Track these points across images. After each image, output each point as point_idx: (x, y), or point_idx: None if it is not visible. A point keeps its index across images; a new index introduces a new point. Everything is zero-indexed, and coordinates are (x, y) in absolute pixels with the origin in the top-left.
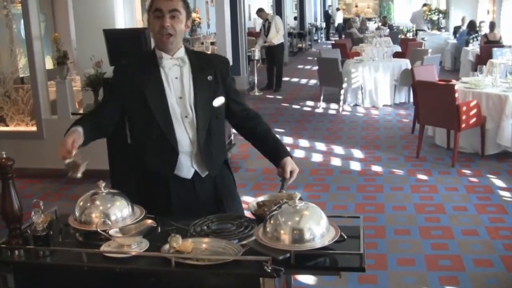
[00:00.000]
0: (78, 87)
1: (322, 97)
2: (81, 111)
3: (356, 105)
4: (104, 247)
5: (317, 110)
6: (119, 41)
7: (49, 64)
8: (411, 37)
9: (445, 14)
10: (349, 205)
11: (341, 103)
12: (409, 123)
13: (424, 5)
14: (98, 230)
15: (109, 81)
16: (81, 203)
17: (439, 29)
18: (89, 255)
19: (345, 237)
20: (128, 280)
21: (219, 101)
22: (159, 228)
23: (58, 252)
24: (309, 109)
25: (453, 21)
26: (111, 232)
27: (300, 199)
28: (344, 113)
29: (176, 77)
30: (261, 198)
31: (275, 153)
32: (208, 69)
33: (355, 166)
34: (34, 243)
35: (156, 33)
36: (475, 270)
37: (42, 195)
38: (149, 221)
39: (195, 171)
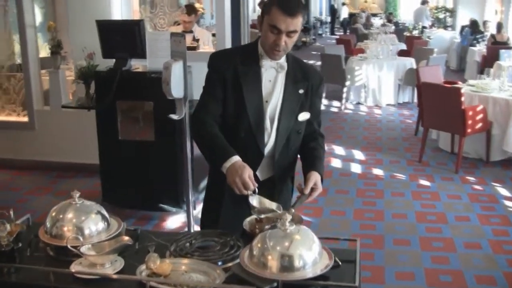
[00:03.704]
0: (72, 77)
1: (324, 94)
2: (73, 104)
3: (358, 103)
4: (75, 266)
5: None
6: (113, 33)
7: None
8: (416, 35)
9: (452, 12)
10: (347, 211)
11: (344, 101)
12: (412, 124)
13: (424, 2)
14: (69, 246)
15: (210, 67)
16: (53, 214)
17: (445, 27)
18: (58, 274)
19: (339, 263)
20: None
21: (304, 116)
22: (137, 245)
23: (24, 270)
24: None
25: (460, 20)
26: (83, 249)
27: (298, 221)
28: (346, 111)
29: (270, 80)
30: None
31: (309, 162)
32: (301, 82)
33: (356, 168)
34: None
35: (267, 43)
36: (477, 287)
37: (32, 189)
38: (126, 238)
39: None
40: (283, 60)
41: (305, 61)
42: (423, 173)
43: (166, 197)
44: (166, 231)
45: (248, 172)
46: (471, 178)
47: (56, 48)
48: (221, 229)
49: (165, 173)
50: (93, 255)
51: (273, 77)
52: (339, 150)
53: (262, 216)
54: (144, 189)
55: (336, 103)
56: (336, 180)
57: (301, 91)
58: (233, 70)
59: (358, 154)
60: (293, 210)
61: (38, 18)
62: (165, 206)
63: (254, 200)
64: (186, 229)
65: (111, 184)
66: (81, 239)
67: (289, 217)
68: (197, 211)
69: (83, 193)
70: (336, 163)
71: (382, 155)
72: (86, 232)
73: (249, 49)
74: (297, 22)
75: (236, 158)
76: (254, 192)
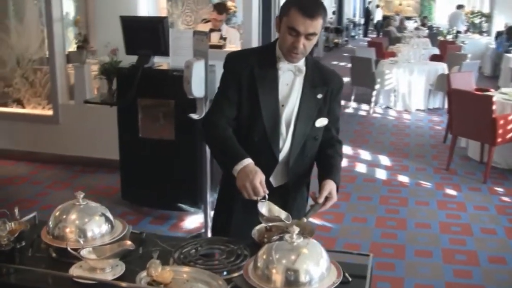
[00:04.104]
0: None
1: (353, 97)
2: (96, 100)
3: (387, 107)
4: (74, 269)
5: (346, 110)
6: (136, 29)
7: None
8: (450, 40)
9: (488, 17)
10: (369, 218)
11: (372, 104)
12: (441, 131)
13: (459, 6)
14: (69, 248)
15: (225, 68)
16: (57, 213)
17: (481, 33)
18: (56, 277)
19: (349, 279)
20: None
21: (321, 122)
22: (141, 249)
23: (22, 271)
24: None
25: (496, 25)
26: (83, 252)
27: (310, 232)
28: (374, 115)
29: (287, 83)
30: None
31: (325, 170)
32: (320, 86)
33: (381, 174)
34: None
35: (285, 45)
36: None
37: (53, 183)
38: (128, 243)
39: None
40: (301, 63)
41: (326, 65)
42: (450, 182)
43: (185, 197)
44: (173, 236)
45: (259, 178)
46: (500, 189)
47: (82, 42)
48: (232, 235)
49: (184, 172)
50: (93, 259)
51: (290, 81)
52: (365, 155)
53: (270, 224)
54: (162, 188)
55: (364, 107)
56: (359, 186)
57: (319, 96)
58: (249, 72)
59: (384, 160)
60: (305, 220)
61: (71, 12)
62: (183, 206)
63: (264, 207)
64: (203, 230)
65: (130, 182)
66: (81, 241)
67: (296, 229)
68: None
69: (104, 188)
70: (361, 168)
71: (408, 162)
72: (89, 234)
73: (266, 51)
74: (317, 25)
75: (248, 161)
76: (264, 198)
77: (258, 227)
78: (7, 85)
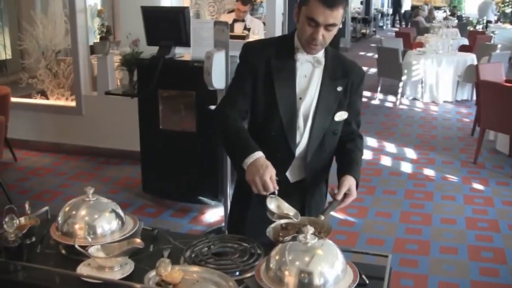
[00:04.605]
0: None
1: (379, 88)
2: (118, 91)
3: (414, 99)
4: (82, 267)
5: (373, 102)
6: (157, 20)
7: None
8: (480, 30)
9: None
10: (393, 213)
11: (399, 96)
12: (469, 124)
13: None
14: (76, 246)
15: (241, 59)
16: (67, 209)
17: None
18: (63, 275)
19: (367, 282)
20: None
21: (341, 116)
22: (152, 247)
23: (29, 268)
24: (365, 99)
25: None
26: (91, 250)
27: (327, 231)
28: (401, 106)
29: (305, 75)
30: (290, 220)
31: (345, 166)
32: (340, 78)
33: (406, 167)
34: (5, 255)
35: (303, 36)
36: None
37: (75, 174)
38: (137, 241)
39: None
40: (320, 55)
41: (351, 55)
42: (477, 176)
43: (205, 189)
44: (186, 233)
45: (270, 173)
46: None
47: (106, 33)
48: (247, 232)
49: (205, 165)
50: (101, 257)
51: (309, 72)
52: (390, 147)
53: (283, 221)
54: (183, 180)
55: (391, 98)
56: (384, 180)
57: (339, 89)
58: (266, 63)
59: (410, 153)
60: (322, 217)
61: (98, 2)
62: (204, 199)
63: (272, 203)
64: (223, 224)
65: (150, 174)
66: (89, 239)
67: (311, 229)
68: None
69: (127, 180)
70: (386, 161)
71: (435, 155)
72: (98, 231)
73: (284, 41)
74: (337, 15)
75: (259, 154)
76: (273, 193)
77: (273, 225)
78: (32, 76)
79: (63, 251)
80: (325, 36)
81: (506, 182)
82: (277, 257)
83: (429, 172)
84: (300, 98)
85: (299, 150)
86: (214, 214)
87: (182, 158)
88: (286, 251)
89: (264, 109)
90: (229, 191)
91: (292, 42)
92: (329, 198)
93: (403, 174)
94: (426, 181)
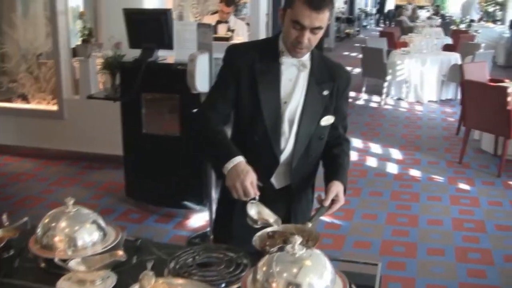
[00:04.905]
0: None
1: (364, 88)
2: (100, 95)
3: (399, 99)
4: (63, 281)
5: (357, 102)
6: (140, 22)
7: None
8: (463, 29)
9: (502, 6)
10: (380, 215)
11: (384, 96)
12: (454, 123)
13: None
14: (56, 260)
15: (225, 62)
16: (46, 221)
17: (495, 21)
18: None
19: None
20: None
21: (327, 121)
22: (135, 258)
23: (8, 285)
24: (349, 100)
25: (510, 13)
26: (72, 263)
27: (315, 238)
28: (386, 106)
29: (290, 79)
30: (277, 228)
31: (331, 171)
32: (327, 82)
33: (392, 168)
34: None
35: (288, 40)
36: None
37: (58, 179)
38: (120, 253)
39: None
40: (306, 58)
41: (335, 57)
42: (463, 175)
43: (190, 194)
44: (170, 243)
45: (251, 178)
46: None
47: (87, 36)
48: (234, 239)
49: (189, 169)
50: (82, 271)
51: (294, 76)
52: (375, 148)
53: (268, 230)
54: (167, 185)
55: (376, 98)
56: (370, 181)
57: (325, 93)
58: (250, 66)
59: (396, 153)
60: (310, 225)
61: (80, 5)
62: (189, 204)
63: (253, 209)
64: (208, 229)
65: (134, 179)
66: (70, 252)
67: (299, 239)
68: None
69: (110, 185)
70: (371, 162)
71: (420, 155)
72: (79, 243)
73: (269, 44)
74: (323, 18)
75: (240, 159)
76: (254, 199)
77: (259, 233)
78: (12, 80)
79: (43, 265)
80: (311, 40)
81: (492, 181)
82: (264, 269)
83: (415, 172)
84: (285, 102)
85: (284, 156)
86: (199, 219)
87: (166, 163)
88: (273, 262)
89: (247, 113)
90: (214, 195)
91: (277, 45)
92: (316, 204)
93: (389, 175)
94: (412, 181)
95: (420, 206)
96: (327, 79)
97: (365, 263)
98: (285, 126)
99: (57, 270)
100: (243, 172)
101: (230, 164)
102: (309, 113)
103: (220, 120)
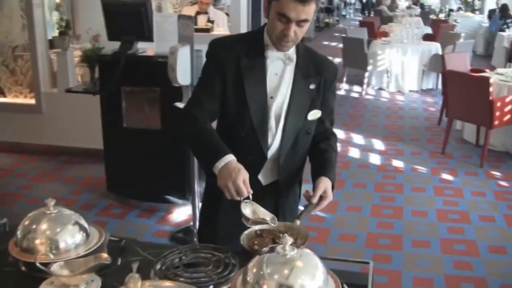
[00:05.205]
0: None
1: (345, 79)
2: (79, 88)
3: (380, 88)
4: (45, 286)
5: (338, 92)
6: (118, 14)
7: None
8: (443, 18)
9: None
10: (364, 207)
11: (365, 86)
12: (435, 113)
13: None
14: (37, 264)
15: (209, 57)
16: (26, 223)
17: (473, 11)
18: None
19: None
20: None
21: (314, 115)
22: (120, 260)
23: None
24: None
25: (489, 3)
26: (54, 267)
27: (304, 237)
28: (367, 97)
29: (276, 73)
30: (265, 226)
31: (319, 167)
32: (313, 76)
33: (375, 159)
34: None
35: (274, 33)
36: None
37: (37, 174)
38: (104, 256)
39: (258, 180)
40: (292, 51)
41: (318, 52)
42: (446, 166)
43: (172, 188)
44: (156, 243)
45: (243, 177)
46: (497, 173)
47: (65, 28)
48: (220, 237)
49: (172, 163)
50: (65, 275)
51: (280, 70)
52: (358, 139)
53: (256, 228)
54: (149, 179)
55: (357, 88)
56: (353, 172)
57: (312, 86)
58: (235, 61)
59: (378, 144)
60: (298, 222)
61: None
62: (171, 198)
63: (247, 208)
64: (191, 223)
65: (115, 174)
66: (51, 256)
67: (289, 240)
68: None
69: (91, 180)
70: (354, 153)
71: (403, 146)
72: (61, 245)
73: (254, 38)
74: (310, 10)
75: (230, 158)
76: (247, 198)
77: (246, 232)
78: None
79: (23, 269)
80: (297, 33)
81: (475, 172)
82: (254, 270)
83: (398, 163)
84: (271, 97)
85: (271, 151)
86: (182, 213)
87: (147, 157)
88: (263, 264)
89: (233, 109)
90: (197, 189)
91: (262, 38)
92: (303, 200)
93: (372, 166)
94: (396, 173)
95: (404, 197)
96: (314, 73)
97: (356, 261)
98: (272, 122)
99: (39, 273)
100: (234, 170)
101: (220, 164)
102: (296, 107)
103: (208, 118)
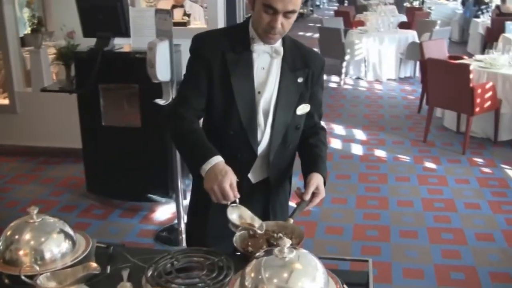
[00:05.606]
0: None
1: None
2: (54, 87)
3: (358, 78)
4: None
5: None
6: (93, 10)
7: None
8: (417, 6)
9: None
10: (350, 198)
11: (343, 76)
12: (415, 101)
13: None
14: (22, 277)
15: (193, 53)
16: (8, 233)
17: None
18: None
19: None
20: None
21: (303, 109)
22: (109, 268)
23: None
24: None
25: None
26: (41, 279)
27: (299, 236)
28: (345, 86)
29: (263, 67)
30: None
31: (310, 162)
32: (301, 69)
33: (357, 150)
34: None
35: (260, 25)
36: (493, 286)
37: (15, 176)
38: (93, 265)
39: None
40: (278, 44)
41: (305, 44)
42: (429, 154)
43: (155, 186)
44: (144, 248)
45: (229, 180)
46: (479, 160)
47: (37, 25)
48: (211, 239)
49: (153, 161)
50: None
51: (266, 64)
52: (339, 129)
53: (258, 231)
54: (130, 178)
55: (335, 78)
56: (336, 164)
57: (300, 80)
58: (221, 56)
59: (359, 134)
60: (291, 221)
61: None
62: (154, 197)
63: (234, 213)
64: (175, 221)
65: (95, 173)
66: (37, 267)
67: (288, 242)
68: (188, 200)
69: (70, 180)
70: (336, 144)
71: (384, 135)
72: (47, 255)
73: (239, 31)
74: (297, 0)
75: (218, 159)
76: (234, 202)
77: (239, 233)
78: None
79: (7, 282)
80: (284, 24)
81: (457, 159)
82: (252, 274)
83: (380, 153)
84: (259, 92)
85: (261, 148)
86: (165, 211)
87: (128, 155)
88: (261, 267)
89: (220, 107)
90: (181, 186)
91: (247, 31)
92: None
93: (355, 156)
94: (379, 162)
95: (389, 187)
96: (301, 66)
97: (355, 260)
98: (260, 118)
99: (24, 287)
100: (221, 173)
101: (207, 166)
102: (284, 102)
103: (195, 116)
